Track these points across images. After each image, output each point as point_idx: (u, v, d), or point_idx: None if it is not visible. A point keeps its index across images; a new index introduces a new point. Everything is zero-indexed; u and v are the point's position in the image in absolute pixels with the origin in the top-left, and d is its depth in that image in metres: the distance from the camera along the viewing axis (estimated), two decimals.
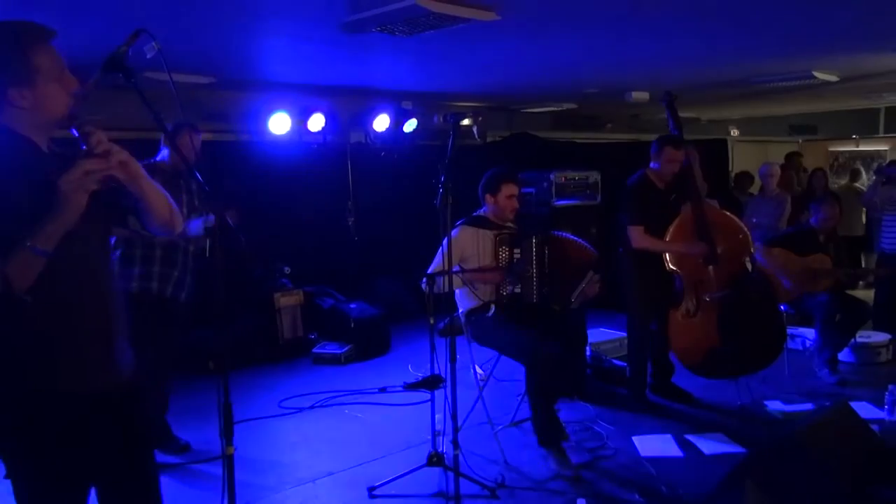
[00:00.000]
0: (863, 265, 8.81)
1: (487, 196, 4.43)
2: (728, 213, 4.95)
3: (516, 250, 4.32)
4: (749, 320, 4.62)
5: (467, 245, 4.29)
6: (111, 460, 2.03)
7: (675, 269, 4.71)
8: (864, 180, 9.99)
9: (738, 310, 4.61)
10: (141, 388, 2.12)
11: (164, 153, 4.07)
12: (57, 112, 1.86)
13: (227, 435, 2.19)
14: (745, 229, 4.90)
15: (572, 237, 4.55)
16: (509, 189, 4.39)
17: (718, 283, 4.66)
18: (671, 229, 4.71)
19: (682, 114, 4.97)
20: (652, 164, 4.82)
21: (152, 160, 4.01)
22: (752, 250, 4.93)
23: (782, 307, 5.45)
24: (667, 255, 4.70)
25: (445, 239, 3.67)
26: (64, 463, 1.90)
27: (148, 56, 2.02)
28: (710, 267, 4.66)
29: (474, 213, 4.48)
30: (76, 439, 1.90)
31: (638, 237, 4.70)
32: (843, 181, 10.57)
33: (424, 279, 3.88)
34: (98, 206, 1.90)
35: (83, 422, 1.91)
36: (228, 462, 2.20)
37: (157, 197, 2.01)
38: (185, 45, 4.42)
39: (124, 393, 2.02)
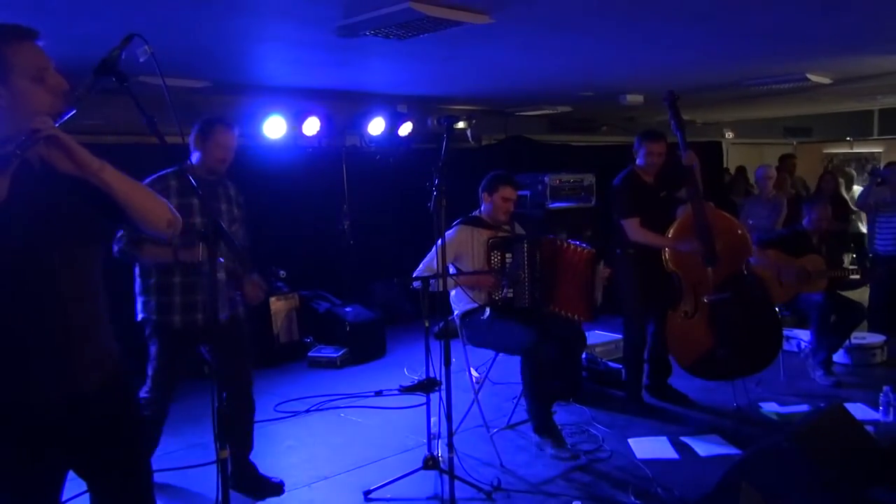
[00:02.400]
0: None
1: (485, 195, 4.48)
2: (728, 216, 4.97)
3: (508, 254, 4.34)
4: (746, 322, 4.63)
5: (462, 244, 4.33)
6: (88, 462, 2.03)
7: (674, 269, 4.72)
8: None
9: (735, 312, 4.61)
10: (124, 390, 2.11)
11: (196, 155, 3.56)
12: (38, 110, 1.83)
13: (222, 439, 2.18)
14: (745, 231, 4.92)
15: (569, 242, 4.55)
16: (506, 191, 4.43)
17: (717, 284, 4.67)
18: (671, 229, 4.73)
19: None
20: (637, 161, 4.86)
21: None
22: (751, 253, 4.94)
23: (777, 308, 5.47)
24: (666, 255, 4.72)
25: (439, 240, 3.69)
26: (18, 471, 1.90)
27: (141, 60, 2.02)
28: (710, 268, 4.66)
29: (471, 214, 4.52)
30: (32, 443, 1.90)
31: (633, 229, 4.71)
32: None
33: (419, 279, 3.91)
34: (68, 207, 1.90)
35: (41, 432, 1.90)
36: (223, 466, 2.20)
37: (136, 195, 1.96)
38: (179, 48, 4.42)
39: (95, 398, 1.99)
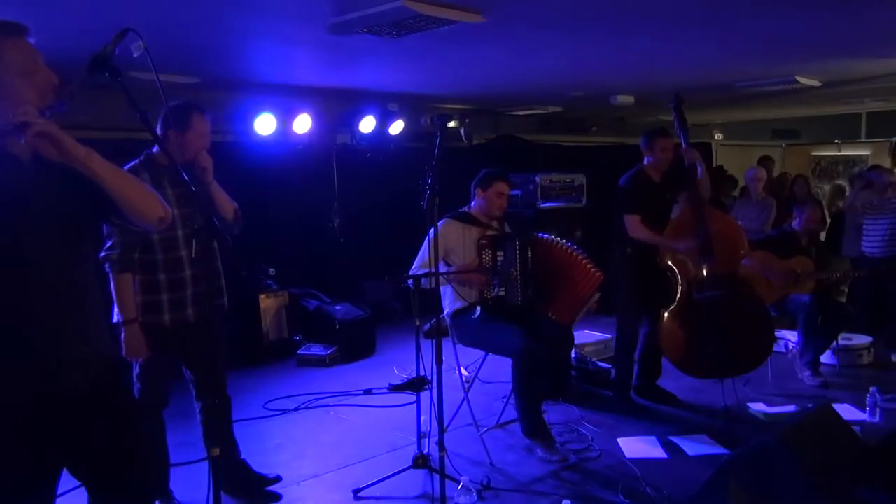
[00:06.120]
0: None
1: (478, 190, 4.47)
2: (727, 216, 5.01)
3: (499, 253, 4.34)
4: (739, 322, 4.65)
5: (452, 238, 4.31)
6: (83, 462, 2.03)
7: (669, 266, 4.74)
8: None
9: (728, 311, 4.63)
10: (117, 388, 2.09)
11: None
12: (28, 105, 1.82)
13: (213, 437, 2.18)
14: (742, 233, 4.95)
15: (561, 241, 4.56)
16: (500, 187, 4.43)
17: (711, 283, 4.69)
18: (670, 225, 4.75)
19: (668, 118, 5.03)
20: (646, 159, 4.87)
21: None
22: (746, 253, 4.97)
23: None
24: (661, 252, 4.74)
25: (431, 230, 3.68)
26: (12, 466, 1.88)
27: (135, 55, 2.01)
28: (704, 267, 4.69)
29: (460, 210, 4.51)
30: (25, 442, 1.88)
31: (634, 226, 4.73)
32: (827, 185, 10.71)
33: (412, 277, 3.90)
34: (58, 202, 1.90)
35: (32, 425, 1.89)
36: (213, 464, 2.20)
37: (126, 185, 1.96)
38: (169, 44, 4.40)
39: (86, 396, 1.97)
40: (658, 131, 4.89)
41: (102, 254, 3.17)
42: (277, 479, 3.86)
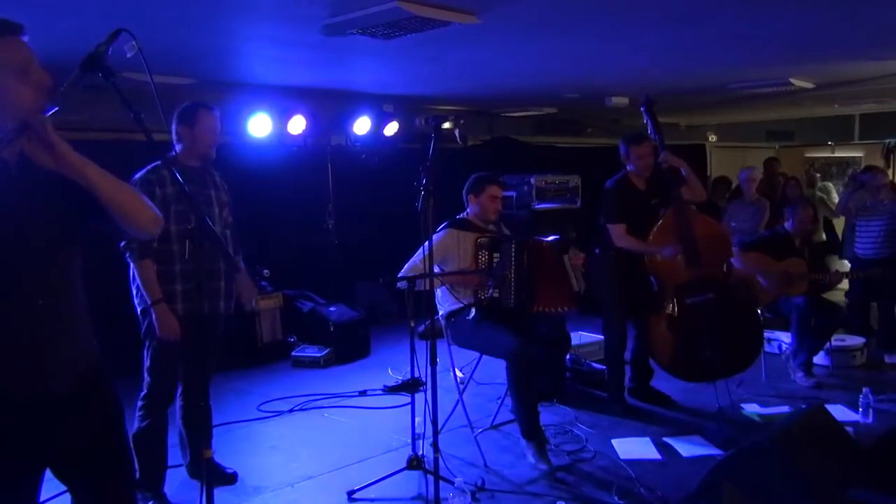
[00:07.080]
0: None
1: (471, 197, 4.46)
2: (709, 218, 5.01)
3: (496, 255, 4.33)
4: (728, 324, 4.66)
5: (448, 247, 4.31)
6: (66, 464, 2.01)
7: (656, 271, 4.74)
8: (831, 189, 10.08)
9: (717, 313, 4.64)
10: (101, 391, 2.07)
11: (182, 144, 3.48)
12: (20, 106, 1.81)
13: (205, 439, 2.17)
14: (726, 233, 4.96)
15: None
16: (493, 190, 4.43)
17: (699, 286, 4.70)
18: (653, 231, 4.75)
19: (662, 119, 5.02)
20: (628, 167, 4.87)
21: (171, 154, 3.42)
22: (731, 254, 4.98)
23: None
24: (648, 257, 4.74)
25: (426, 243, 3.68)
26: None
27: (128, 55, 1.99)
28: (692, 270, 4.69)
29: (458, 216, 4.50)
30: (8, 443, 1.86)
31: (619, 235, 4.73)
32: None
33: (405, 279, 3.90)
34: (45, 206, 1.88)
35: (15, 425, 1.87)
36: (206, 466, 2.19)
37: (118, 193, 1.94)
38: (163, 45, 4.39)
39: (69, 399, 1.95)
40: (632, 139, 4.83)
41: (122, 244, 3.29)
42: (234, 475, 3.95)
